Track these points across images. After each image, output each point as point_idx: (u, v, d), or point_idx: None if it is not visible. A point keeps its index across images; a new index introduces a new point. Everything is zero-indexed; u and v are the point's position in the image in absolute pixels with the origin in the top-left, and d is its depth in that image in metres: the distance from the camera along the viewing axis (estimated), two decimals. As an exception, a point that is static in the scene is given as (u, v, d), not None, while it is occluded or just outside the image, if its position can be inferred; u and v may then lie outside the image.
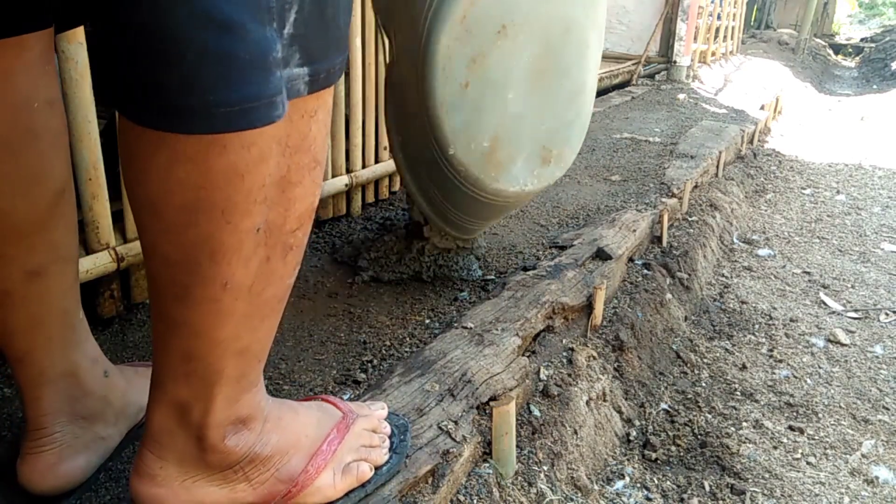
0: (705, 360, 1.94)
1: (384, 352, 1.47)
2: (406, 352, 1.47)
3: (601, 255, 1.97)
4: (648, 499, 1.39)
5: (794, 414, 1.71)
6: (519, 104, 1.34)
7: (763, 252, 2.79)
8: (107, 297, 1.53)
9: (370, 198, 2.34)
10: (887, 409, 1.74)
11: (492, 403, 1.24)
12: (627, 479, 1.43)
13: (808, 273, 2.59)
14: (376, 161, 2.31)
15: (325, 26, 0.66)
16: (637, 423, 1.62)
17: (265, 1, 0.57)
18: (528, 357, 1.47)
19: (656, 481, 1.44)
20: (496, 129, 1.32)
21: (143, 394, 1.12)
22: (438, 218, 1.64)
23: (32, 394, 0.92)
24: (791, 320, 2.20)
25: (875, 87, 9.68)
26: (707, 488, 1.42)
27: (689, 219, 2.69)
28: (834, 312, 2.28)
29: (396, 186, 2.48)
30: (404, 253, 1.84)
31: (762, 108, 5.24)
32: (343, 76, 2.06)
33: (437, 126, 1.27)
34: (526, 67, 1.32)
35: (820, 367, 1.93)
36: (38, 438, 0.93)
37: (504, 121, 1.33)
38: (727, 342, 2.06)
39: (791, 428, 1.65)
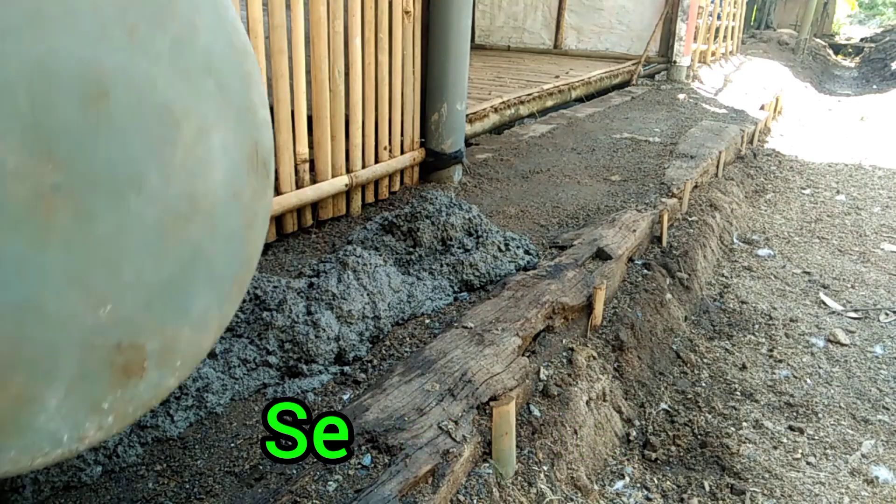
0: (705, 360, 1.94)
1: (384, 351, 1.47)
2: (406, 351, 1.47)
3: (601, 255, 1.97)
4: (648, 499, 1.39)
5: (794, 414, 1.71)
6: None
7: (763, 252, 2.80)
8: (107, 296, 1.52)
9: (370, 198, 2.34)
10: (887, 409, 1.74)
11: (492, 403, 1.24)
12: (627, 479, 1.43)
13: (808, 273, 2.59)
14: (376, 161, 2.31)
15: None
16: (637, 423, 1.62)
17: None
18: (528, 357, 1.47)
19: (656, 481, 1.44)
20: None
21: None
22: None
23: None
24: (791, 320, 2.20)
25: (875, 87, 9.69)
26: (707, 488, 1.42)
27: (689, 219, 2.69)
28: (834, 312, 2.28)
29: (396, 186, 2.48)
30: None
31: (762, 108, 5.24)
32: (343, 75, 2.06)
33: None
34: None
35: (820, 367, 1.93)
36: None
37: None
38: (727, 342, 2.06)
39: (791, 428, 1.65)
